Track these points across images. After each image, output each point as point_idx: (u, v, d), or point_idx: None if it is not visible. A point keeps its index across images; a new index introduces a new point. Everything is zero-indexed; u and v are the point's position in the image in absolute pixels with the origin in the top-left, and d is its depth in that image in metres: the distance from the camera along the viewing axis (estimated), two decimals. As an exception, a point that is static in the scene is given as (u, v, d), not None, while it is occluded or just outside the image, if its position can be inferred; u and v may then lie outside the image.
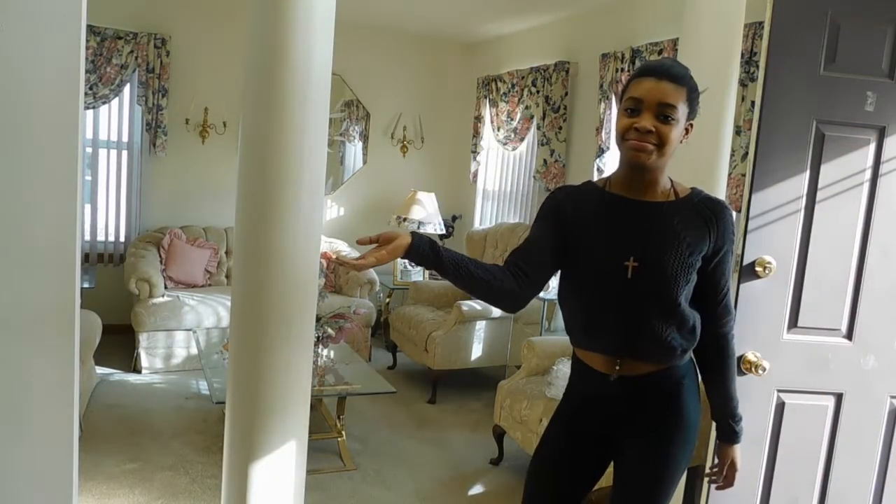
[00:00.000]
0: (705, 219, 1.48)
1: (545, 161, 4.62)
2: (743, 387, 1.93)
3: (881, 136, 1.90)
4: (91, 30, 4.51)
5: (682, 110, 1.42)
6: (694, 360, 1.63)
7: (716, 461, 1.71)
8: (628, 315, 1.49)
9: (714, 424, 1.99)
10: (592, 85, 4.28)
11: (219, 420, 3.49)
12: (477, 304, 4.32)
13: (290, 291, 1.93)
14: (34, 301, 1.57)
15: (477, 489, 3.21)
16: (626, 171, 1.51)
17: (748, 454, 1.99)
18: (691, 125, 1.46)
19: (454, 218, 5.74)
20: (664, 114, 1.41)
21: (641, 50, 3.77)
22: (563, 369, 3.20)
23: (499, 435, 3.39)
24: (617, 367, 1.53)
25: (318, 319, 3.10)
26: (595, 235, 1.50)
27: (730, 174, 2.95)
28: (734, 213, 1.41)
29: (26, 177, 1.53)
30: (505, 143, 5.18)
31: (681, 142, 1.45)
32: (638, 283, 1.45)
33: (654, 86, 1.41)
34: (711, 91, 2.09)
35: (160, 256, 4.73)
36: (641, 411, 1.57)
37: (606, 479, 2.72)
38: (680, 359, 1.55)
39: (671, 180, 1.53)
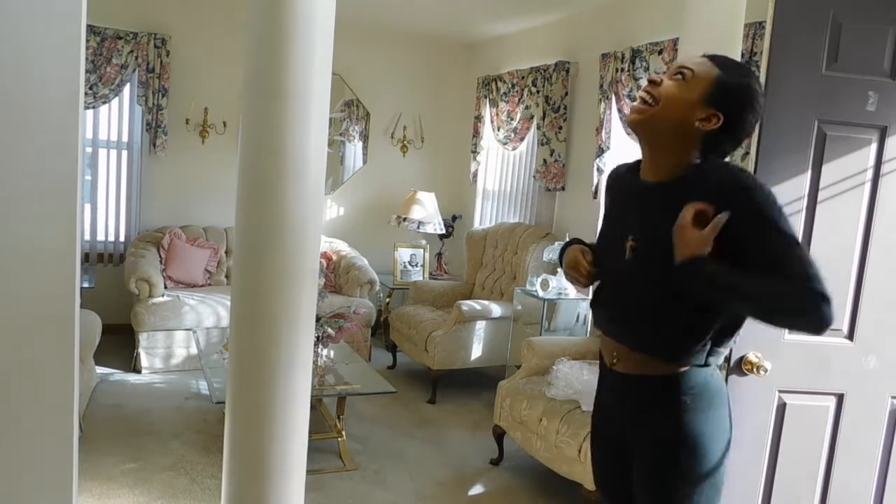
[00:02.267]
0: (719, 203, 1.31)
1: (545, 161, 4.61)
2: (744, 388, 1.93)
3: (882, 135, 1.90)
4: (91, 30, 4.51)
5: (701, 80, 1.33)
6: (718, 379, 1.47)
7: None
8: (625, 295, 1.45)
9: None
10: (592, 85, 4.28)
11: (219, 420, 3.48)
12: (477, 304, 4.32)
13: (289, 291, 1.93)
14: (34, 301, 1.57)
15: (477, 489, 3.20)
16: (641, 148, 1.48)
17: (750, 454, 1.99)
18: (717, 116, 1.33)
19: (454, 218, 5.74)
20: (673, 73, 1.36)
21: (641, 50, 3.77)
22: (563, 369, 3.20)
23: (499, 435, 3.39)
24: (614, 357, 1.49)
25: (317, 319, 3.10)
26: (607, 214, 1.56)
27: (730, 174, 2.95)
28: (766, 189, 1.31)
29: (26, 176, 1.53)
30: (505, 143, 5.18)
31: (697, 125, 1.33)
32: (635, 264, 1.42)
33: (688, 59, 1.39)
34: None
35: (160, 256, 4.73)
36: (640, 423, 1.48)
37: (607, 479, 2.73)
38: (676, 360, 1.41)
39: (695, 159, 1.39)
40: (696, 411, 1.42)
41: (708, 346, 1.40)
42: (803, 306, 1.26)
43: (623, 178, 1.54)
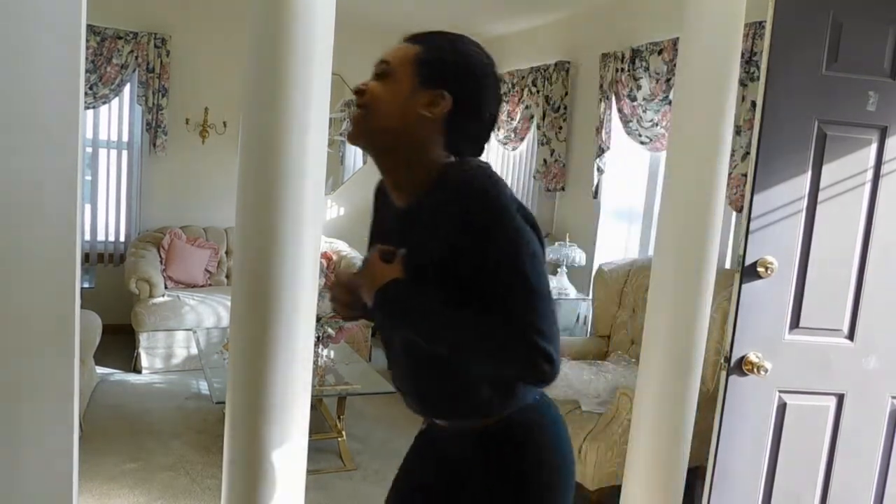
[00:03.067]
0: (467, 229, 1.08)
1: (545, 161, 4.61)
2: (745, 388, 1.93)
3: (883, 136, 1.90)
4: (91, 29, 4.51)
5: (403, 66, 1.14)
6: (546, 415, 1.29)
7: None
8: (402, 351, 1.27)
9: (716, 419, 1.99)
10: (592, 85, 4.27)
11: (219, 420, 3.48)
12: (477, 304, 4.31)
13: (290, 291, 1.93)
14: (34, 301, 1.57)
15: (477, 489, 3.20)
16: None
17: (750, 455, 1.99)
18: (441, 95, 1.13)
19: (454, 218, 5.73)
20: (376, 72, 1.18)
21: (641, 50, 3.77)
22: (564, 369, 3.20)
23: (499, 435, 3.38)
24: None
25: (318, 319, 3.10)
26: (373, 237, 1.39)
27: (730, 174, 2.95)
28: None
29: (26, 176, 1.52)
30: (505, 143, 5.17)
31: (424, 114, 1.13)
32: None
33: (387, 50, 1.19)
34: (712, 90, 2.09)
35: (160, 256, 4.73)
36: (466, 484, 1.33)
37: (609, 477, 2.73)
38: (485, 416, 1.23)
39: (442, 160, 1.17)
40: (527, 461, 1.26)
41: (518, 387, 1.21)
42: (519, 356, 1.06)
43: (383, 193, 1.31)
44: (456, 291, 1.09)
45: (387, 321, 1.20)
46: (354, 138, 1.19)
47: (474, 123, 1.19)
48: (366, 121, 1.16)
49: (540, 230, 1.14)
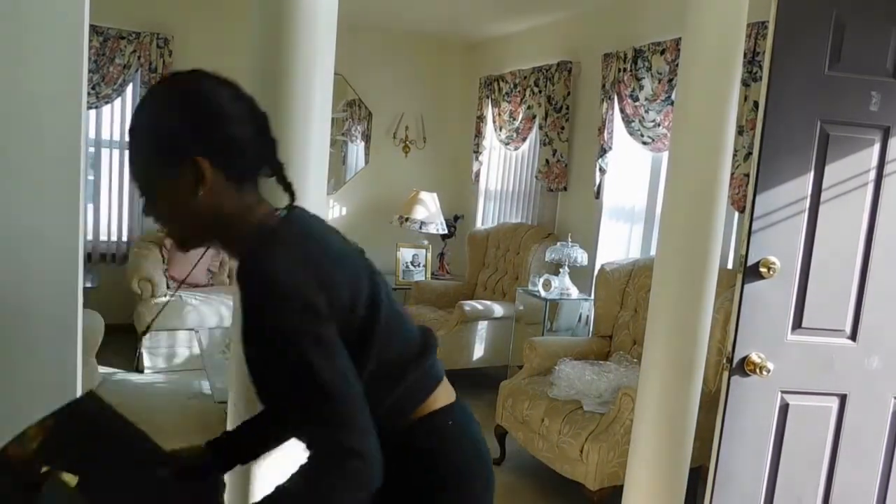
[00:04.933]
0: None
1: (547, 161, 4.61)
2: (747, 388, 1.92)
3: (885, 136, 1.89)
4: (94, 29, 4.51)
5: (148, 176, 1.02)
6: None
7: None
8: None
9: (718, 419, 1.98)
10: (595, 85, 4.27)
11: (221, 420, 3.48)
12: (479, 304, 4.31)
13: (292, 291, 1.93)
14: (37, 300, 1.57)
15: (479, 489, 3.20)
16: None
17: (752, 455, 1.99)
18: (196, 161, 0.98)
19: (456, 218, 5.74)
20: (140, 193, 1.05)
21: (644, 50, 3.77)
22: (566, 369, 3.20)
23: (500, 435, 3.39)
24: None
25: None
26: None
27: (732, 174, 2.95)
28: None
29: (29, 176, 1.53)
30: (507, 143, 5.17)
31: (200, 192, 0.99)
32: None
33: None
34: (714, 91, 2.09)
35: (162, 256, 4.74)
36: None
37: (611, 478, 2.73)
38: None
39: (252, 231, 1.03)
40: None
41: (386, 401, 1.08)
42: (327, 467, 0.92)
43: None
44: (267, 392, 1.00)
45: None
46: (180, 249, 1.10)
47: (234, 164, 1.03)
48: (175, 237, 1.08)
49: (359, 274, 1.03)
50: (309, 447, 0.95)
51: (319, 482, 0.93)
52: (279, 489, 0.96)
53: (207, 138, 1.00)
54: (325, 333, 0.94)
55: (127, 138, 1.06)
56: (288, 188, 1.08)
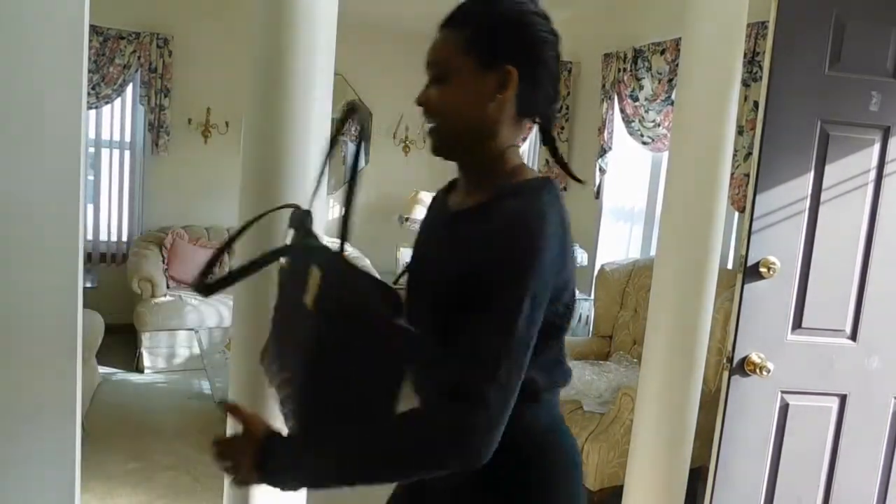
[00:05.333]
0: (487, 232, 0.98)
1: (547, 161, 4.61)
2: (747, 388, 1.92)
3: (886, 136, 1.89)
4: (94, 30, 4.51)
5: (457, 61, 1.01)
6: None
7: None
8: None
9: (718, 419, 1.98)
10: (595, 85, 4.27)
11: (221, 420, 3.48)
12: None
13: (292, 291, 1.93)
14: (37, 300, 1.57)
15: (479, 489, 3.20)
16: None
17: (752, 455, 1.98)
18: (506, 70, 1.00)
19: (456, 218, 5.74)
20: (432, 77, 1.06)
21: (644, 50, 3.77)
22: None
23: (501, 435, 3.38)
24: None
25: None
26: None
27: (732, 174, 2.95)
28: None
29: (29, 176, 1.53)
30: (507, 143, 5.17)
31: (498, 99, 1.01)
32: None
33: (430, 45, 1.06)
34: (714, 91, 2.09)
35: (162, 256, 4.74)
36: None
37: (611, 478, 2.72)
38: None
39: (516, 177, 1.05)
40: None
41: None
42: (453, 411, 0.91)
43: (436, 201, 1.23)
44: (441, 313, 0.99)
45: (290, 484, 0.96)
46: (435, 152, 1.09)
47: (540, 92, 1.06)
48: (439, 133, 1.07)
49: (569, 279, 1.04)
50: (443, 384, 0.93)
51: (440, 415, 0.93)
52: (406, 414, 0.96)
53: (529, 59, 1.02)
54: (540, 297, 0.94)
55: (451, 11, 1.03)
56: (552, 143, 1.10)
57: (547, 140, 1.12)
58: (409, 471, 0.97)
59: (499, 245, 0.95)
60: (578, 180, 1.19)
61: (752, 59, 3.01)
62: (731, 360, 1.92)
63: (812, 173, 1.88)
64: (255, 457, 0.94)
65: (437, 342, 0.98)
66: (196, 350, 4.21)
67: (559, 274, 0.98)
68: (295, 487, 0.95)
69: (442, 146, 1.08)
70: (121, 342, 4.55)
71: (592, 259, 4.19)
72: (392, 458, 0.94)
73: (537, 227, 0.96)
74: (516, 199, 1.00)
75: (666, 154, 2.50)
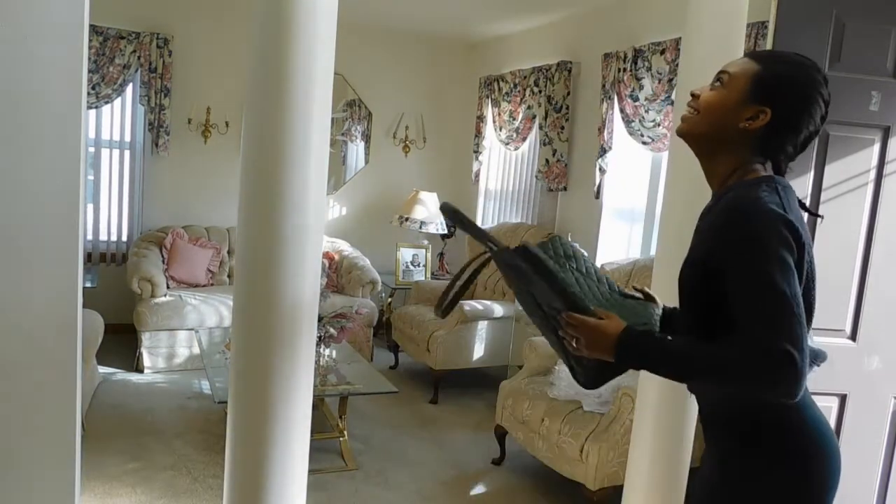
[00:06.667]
0: (721, 227, 1.20)
1: (547, 161, 4.61)
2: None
3: (886, 135, 1.90)
4: (94, 30, 4.51)
5: (739, 80, 1.25)
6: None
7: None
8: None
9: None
10: (595, 85, 4.27)
11: (221, 420, 3.48)
12: (479, 304, 4.31)
13: (292, 291, 1.93)
14: (36, 300, 1.57)
15: (479, 489, 3.20)
16: None
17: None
18: (764, 112, 1.22)
19: (456, 218, 5.73)
20: (714, 79, 1.29)
21: (644, 49, 3.77)
22: (565, 369, 3.20)
23: (501, 435, 3.39)
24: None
25: (320, 319, 3.10)
26: None
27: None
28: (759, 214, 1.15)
29: (29, 176, 1.53)
30: (507, 143, 5.17)
31: (742, 126, 1.23)
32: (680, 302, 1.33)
33: (731, 60, 1.32)
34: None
35: (162, 256, 4.74)
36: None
37: (611, 478, 2.72)
38: (712, 407, 1.34)
39: (745, 172, 1.27)
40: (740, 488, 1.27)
41: None
42: (757, 373, 1.09)
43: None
44: (705, 295, 1.21)
45: (632, 368, 1.27)
46: (682, 129, 1.32)
47: (790, 137, 1.26)
48: (692, 122, 1.29)
49: (806, 246, 1.18)
50: (745, 349, 1.10)
51: (749, 366, 1.09)
52: (712, 348, 1.16)
53: (788, 116, 1.23)
54: (788, 260, 1.12)
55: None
56: (777, 169, 1.28)
57: (776, 165, 1.29)
58: (730, 388, 1.21)
59: (724, 234, 1.17)
60: (817, 215, 1.39)
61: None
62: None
63: (812, 173, 1.88)
64: (612, 339, 1.20)
65: (704, 331, 1.23)
66: (196, 350, 4.21)
67: (797, 236, 1.14)
68: (634, 367, 1.24)
69: (688, 131, 1.30)
70: (121, 342, 4.55)
71: (593, 259, 4.20)
72: (716, 377, 1.16)
73: (752, 207, 1.16)
74: (733, 194, 1.22)
75: (666, 154, 2.50)
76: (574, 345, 1.26)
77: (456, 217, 1.45)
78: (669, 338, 1.23)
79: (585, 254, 1.37)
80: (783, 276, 1.10)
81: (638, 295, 1.40)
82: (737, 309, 1.13)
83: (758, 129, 1.23)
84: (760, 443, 1.24)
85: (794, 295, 1.10)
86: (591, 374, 1.34)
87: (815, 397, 1.96)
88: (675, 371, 1.21)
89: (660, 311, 1.37)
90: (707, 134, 1.28)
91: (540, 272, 1.28)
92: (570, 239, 4.29)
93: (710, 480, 1.33)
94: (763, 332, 1.08)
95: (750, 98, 1.23)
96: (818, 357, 1.33)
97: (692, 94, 1.30)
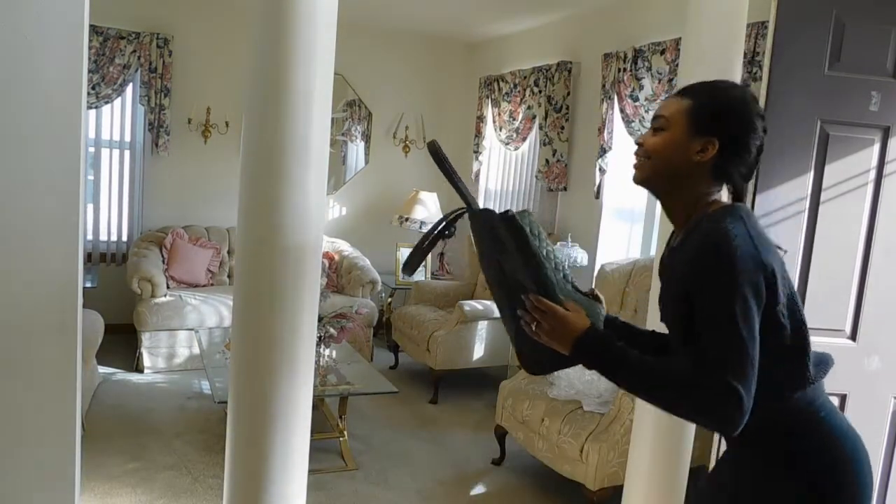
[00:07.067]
0: (692, 262, 1.22)
1: (547, 161, 4.61)
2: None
3: (885, 135, 1.90)
4: (94, 30, 4.51)
5: (677, 119, 1.28)
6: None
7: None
8: None
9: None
10: (595, 85, 4.27)
11: (221, 420, 3.49)
12: (479, 304, 4.31)
13: (292, 291, 1.93)
14: (37, 300, 1.57)
15: (479, 489, 3.20)
16: None
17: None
18: (712, 142, 1.25)
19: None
20: (653, 126, 1.32)
21: (644, 49, 3.77)
22: (565, 369, 3.20)
23: (501, 435, 3.39)
24: None
25: (320, 319, 3.10)
26: None
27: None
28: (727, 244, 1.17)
29: (29, 176, 1.53)
30: (507, 143, 5.17)
31: (695, 160, 1.26)
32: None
33: (663, 102, 1.35)
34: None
35: (162, 256, 4.74)
36: None
37: (611, 478, 2.73)
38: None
39: (707, 204, 1.30)
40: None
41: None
42: (701, 402, 1.13)
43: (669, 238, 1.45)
44: (683, 329, 1.23)
45: (584, 366, 1.28)
46: (637, 178, 1.34)
47: (739, 163, 1.29)
48: (647, 169, 1.32)
49: (775, 279, 1.20)
50: (696, 377, 1.14)
51: (695, 391, 1.13)
52: (664, 364, 1.21)
53: (735, 140, 1.25)
54: (750, 301, 1.15)
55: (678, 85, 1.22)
56: (737, 194, 1.31)
57: (734, 189, 1.32)
58: (671, 410, 1.21)
59: (696, 266, 1.20)
60: (780, 248, 1.35)
61: (752, 59, 3.01)
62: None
63: (812, 173, 1.88)
64: (575, 333, 1.23)
65: (685, 350, 1.24)
66: (196, 350, 4.21)
67: (765, 269, 1.17)
68: (586, 366, 1.26)
69: (645, 178, 1.33)
70: (121, 342, 4.55)
71: (592, 259, 4.20)
72: (661, 393, 1.19)
73: (723, 240, 1.17)
74: (702, 228, 1.24)
75: (666, 154, 2.49)
76: (533, 328, 1.27)
77: (439, 159, 1.43)
78: (632, 350, 1.23)
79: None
80: (744, 315, 1.14)
81: (587, 291, 1.40)
82: (698, 338, 1.17)
83: (710, 160, 1.26)
84: (789, 461, 1.26)
85: (750, 336, 1.14)
86: (540, 360, 1.34)
87: (814, 397, 1.97)
88: (627, 381, 1.23)
89: (604, 313, 1.37)
90: (664, 175, 1.31)
91: (520, 247, 1.28)
92: (570, 239, 4.26)
93: (730, 490, 1.33)
94: (714, 366, 1.12)
95: (694, 132, 1.26)
96: (824, 363, 1.34)
97: (638, 144, 1.33)
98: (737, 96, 1.28)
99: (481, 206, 1.49)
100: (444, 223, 1.44)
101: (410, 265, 1.49)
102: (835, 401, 1.98)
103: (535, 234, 1.32)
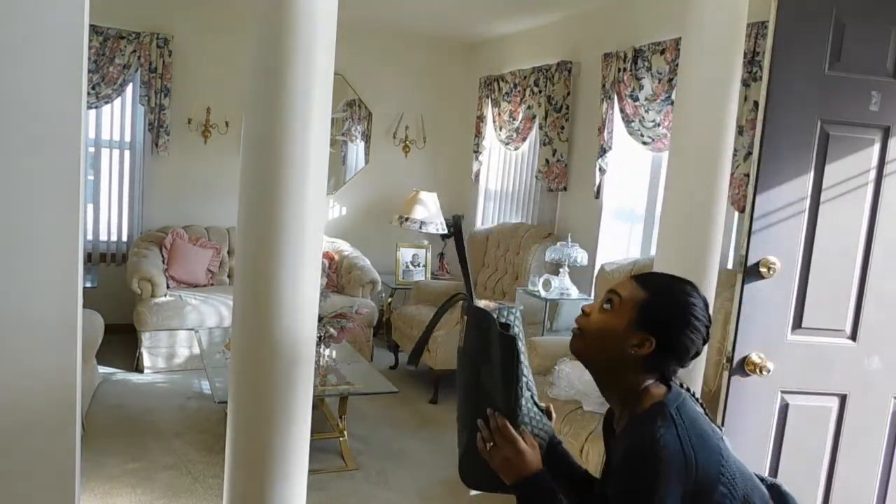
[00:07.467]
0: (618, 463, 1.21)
1: (547, 161, 4.61)
2: (747, 388, 1.93)
3: (886, 136, 1.89)
4: (94, 30, 4.51)
5: (627, 305, 1.26)
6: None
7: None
8: None
9: (718, 419, 1.98)
10: (595, 85, 4.27)
11: (221, 419, 3.48)
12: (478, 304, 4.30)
13: (292, 291, 1.93)
14: (37, 300, 1.57)
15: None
16: None
17: (753, 455, 1.98)
18: (650, 340, 1.23)
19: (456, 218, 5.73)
20: (605, 299, 1.30)
21: (644, 49, 3.77)
22: (565, 369, 3.20)
23: (501, 435, 3.38)
24: None
25: (320, 319, 3.10)
26: None
27: (732, 174, 2.95)
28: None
29: (29, 176, 1.53)
30: (507, 143, 5.17)
31: (629, 352, 1.24)
32: None
33: (620, 282, 1.34)
34: (714, 90, 2.09)
35: (162, 256, 4.74)
36: None
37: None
38: None
39: (637, 398, 1.27)
40: None
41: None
42: None
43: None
44: None
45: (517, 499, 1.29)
46: (574, 351, 1.33)
47: (673, 362, 1.28)
48: (580, 341, 1.31)
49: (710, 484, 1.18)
50: None
51: None
52: None
53: (671, 341, 1.24)
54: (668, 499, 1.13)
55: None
56: (666, 383, 1.28)
57: (664, 377, 1.30)
58: None
59: (622, 473, 1.19)
60: (719, 427, 1.34)
61: (752, 59, 3.01)
62: (731, 360, 1.92)
63: (812, 173, 1.88)
64: (525, 472, 1.24)
65: None
66: (196, 350, 4.21)
67: (695, 478, 1.15)
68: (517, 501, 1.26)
69: (578, 352, 1.33)
70: (121, 342, 4.55)
71: (592, 259, 4.20)
72: None
73: (649, 451, 1.15)
74: (634, 429, 1.22)
75: (666, 154, 2.50)
76: (486, 446, 1.27)
77: (458, 235, 1.45)
78: None
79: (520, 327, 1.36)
80: None
81: (543, 406, 1.38)
82: None
83: (644, 356, 1.25)
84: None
85: None
86: (479, 476, 1.33)
87: (815, 397, 1.97)
88: None
89: (551, 432, 1.37)
90: (597, 360, 1.31)
91: (506, 369, 1.27)
92: (570, 239, 4.25)
93: None
94: None
95: (636, 325, 1.25)
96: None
97: (583, 311, 1.32)
98: (690, 303, 1.26)
99: (479, 221, 1.49)
100: (442, 313, 1.46)
101: (416, 355, 1.53)
102: (835, 401, 1.99)
103: (521, 348, 1.31)
